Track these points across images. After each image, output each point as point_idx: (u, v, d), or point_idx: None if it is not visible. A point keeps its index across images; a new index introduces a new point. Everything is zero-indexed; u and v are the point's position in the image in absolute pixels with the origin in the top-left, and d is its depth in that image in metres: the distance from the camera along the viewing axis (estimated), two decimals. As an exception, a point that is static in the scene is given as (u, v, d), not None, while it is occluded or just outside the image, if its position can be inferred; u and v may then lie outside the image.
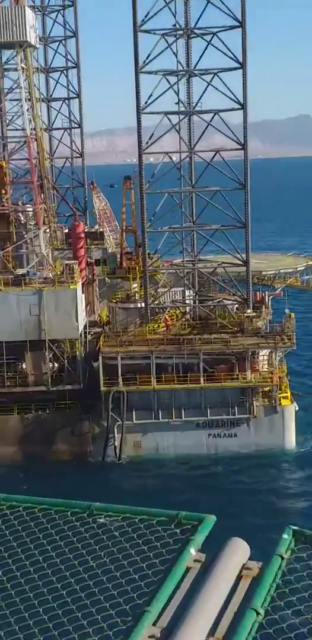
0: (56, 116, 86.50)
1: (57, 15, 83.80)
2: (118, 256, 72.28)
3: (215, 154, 65.87)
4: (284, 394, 61.05)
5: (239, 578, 4.31)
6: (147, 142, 64.13)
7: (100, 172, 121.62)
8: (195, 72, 65.83)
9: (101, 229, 77.45)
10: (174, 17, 64.67)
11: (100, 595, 4.21)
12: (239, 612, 4.07)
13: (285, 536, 4.55)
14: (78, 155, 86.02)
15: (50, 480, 54.75)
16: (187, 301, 68.67)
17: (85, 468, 58.20)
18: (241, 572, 4.37)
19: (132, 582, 4.34)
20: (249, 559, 4.49)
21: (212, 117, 65.27)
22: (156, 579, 4.28)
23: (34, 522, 4.77)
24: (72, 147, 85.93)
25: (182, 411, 59.83)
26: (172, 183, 68.73)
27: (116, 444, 59.50)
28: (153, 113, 64.62)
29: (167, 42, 64.39)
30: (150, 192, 64.58)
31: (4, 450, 59.15)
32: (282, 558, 4.40)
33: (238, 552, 4.43)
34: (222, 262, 66.35)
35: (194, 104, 66.42)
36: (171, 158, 67.28)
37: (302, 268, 69.79)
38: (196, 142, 67.25)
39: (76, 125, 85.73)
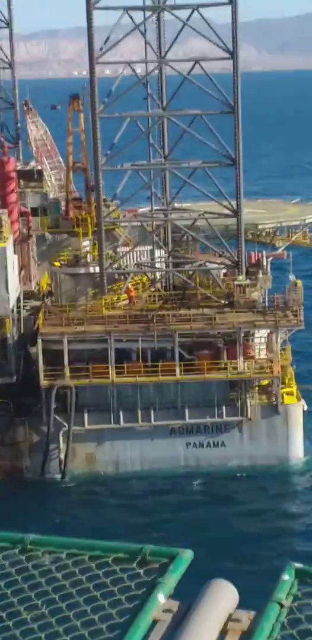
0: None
1: None
2: (63, 203, 72.01)
3: (194, 65, 65.80)
4: (288, 389, 61.57)
5: (224, 633, 4.35)
6: (101, 48, 63.79)
7: (37, 89, 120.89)
8: None
9: (39, 167, 77.07)
10: None
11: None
12: None
13: (285, 577, 4.58)
14: (6, 65, 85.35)
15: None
16: (157, 265, 68.69)
17: (19, 489, 58.26)
18: (226, 625, 4.40)
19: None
20: (238, 607, 4.53)
21: (190, 15, 65.11)
22: (113, 635, 4.30)
23: None
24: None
25: (152, 413, 60.09)
26: (136, 104, 68.54)
27: (61, 456, 59.64)
28: (109, 8, 64.29)
29: None
30: (107, 117, 64.32)
31: None
32: (282, 606, 4.44)
33: (223, 598, 4.46)
34: (205, 212, 66.44)
35: (165, -3, 66.18)
36: (133, 70, 67.07)
37: (313, 219, 70.18)
38: (168, 49, 67.10)
39: (4, 25, 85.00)
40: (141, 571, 4.67)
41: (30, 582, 4.68)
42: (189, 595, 4.58)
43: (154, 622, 4.38)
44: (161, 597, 4.49)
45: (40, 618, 4.52)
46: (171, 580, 4.60)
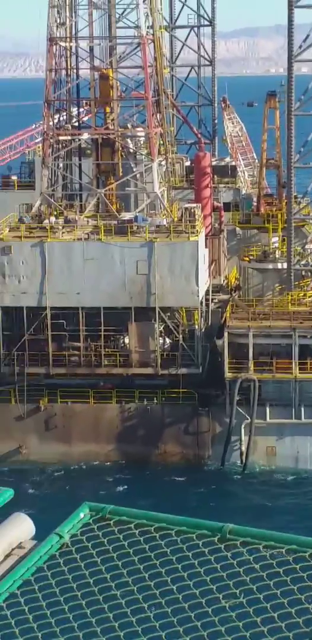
0: (181, 9, 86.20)
1: None
2: (254, 199, 71.93)
3: None
4: None
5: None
6: (300, 46, 63.30)
7: (235, 86, 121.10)
8: None
9: (233, 162, 77.23)
10: None
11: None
12: None
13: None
14: (207, 62, 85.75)
15: (155, 489, 55.63)
16: None
17: (200, 477, 58.71)
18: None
19: (277, 632, 4.35)
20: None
21: None
22: (310, 629, 4.29)
23: (148, 545, 4.86)
24: (200, 51, 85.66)
25: (334, 411, 59.26)
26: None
27: (243, 448, 59.64)
28: (311, 7, 63.66)
29: None
30: (302, 114, 63.81)
31: (97, 447, 60.46)
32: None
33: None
34: None
35: None
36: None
37: None
38: None
39: (207, 23, 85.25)
40: None
41: (228, 571, 4.72)
42: None
43: None
44: None
45: (238, 607, 4.56)
46: None
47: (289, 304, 62.06)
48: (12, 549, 4.81)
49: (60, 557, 4.83)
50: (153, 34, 66.54)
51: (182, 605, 4.62)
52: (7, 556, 4.77)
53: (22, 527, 4.90)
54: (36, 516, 5.06)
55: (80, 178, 69.09)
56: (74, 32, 68.14)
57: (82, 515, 5.04)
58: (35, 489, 56.18)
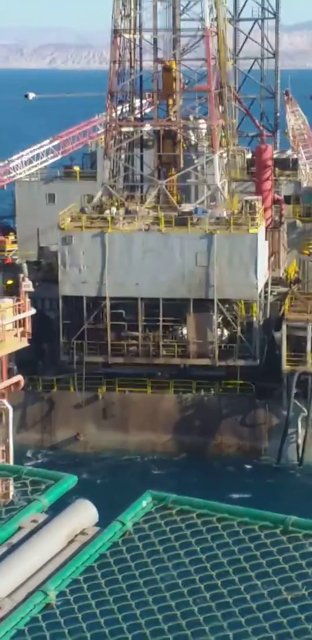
0: (245, 2, 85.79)
1: None
2: (316, 193, 71.38)
3: None
4: None
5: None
6: None
7: (299, 79, 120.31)
8: None
9: (295, 155, 76.71)
10: None
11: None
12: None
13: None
14: (271, 55, 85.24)
15: (211, 480, 55.69)
16: None
17: (256, 469, 58.61)
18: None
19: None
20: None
21: None
22: None
23: (210, 535, 4.87)
24: (264, 44, 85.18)
25: None
26: None
27: (299, 441, 59.35)
28: None
29: None
30: None
31: (154, 437, 60.64)
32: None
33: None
34: None
35: None
36: None
37: None
38: None
39: (271, 15, 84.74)
40: None
41: (291, 564, 4.70)
42: None
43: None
44: None
45: (300, 600, 4.55)
46: None
47: None
48: (76, 535, 4.86)
49: (122, 545, 4.86)
50: (217, 27, 66.31)
51: (244, 596, 4.62)
52: (70, 542, 4.82)
53: (85, 513, 4.95)
54: (94, 503, 5.10)
55: (141, 169, 69.20)
56: (138, 24, 68.18)
57: (144, 503, 5.06)
58: (92, 477, 56.53)
